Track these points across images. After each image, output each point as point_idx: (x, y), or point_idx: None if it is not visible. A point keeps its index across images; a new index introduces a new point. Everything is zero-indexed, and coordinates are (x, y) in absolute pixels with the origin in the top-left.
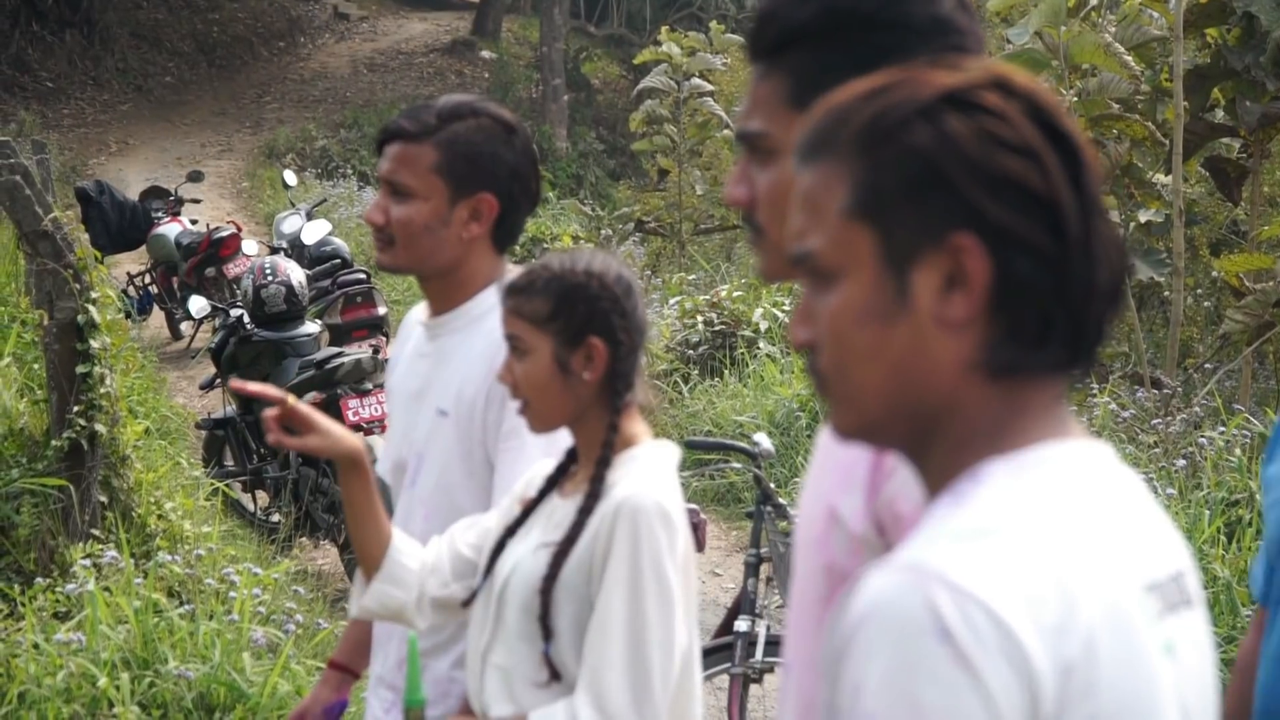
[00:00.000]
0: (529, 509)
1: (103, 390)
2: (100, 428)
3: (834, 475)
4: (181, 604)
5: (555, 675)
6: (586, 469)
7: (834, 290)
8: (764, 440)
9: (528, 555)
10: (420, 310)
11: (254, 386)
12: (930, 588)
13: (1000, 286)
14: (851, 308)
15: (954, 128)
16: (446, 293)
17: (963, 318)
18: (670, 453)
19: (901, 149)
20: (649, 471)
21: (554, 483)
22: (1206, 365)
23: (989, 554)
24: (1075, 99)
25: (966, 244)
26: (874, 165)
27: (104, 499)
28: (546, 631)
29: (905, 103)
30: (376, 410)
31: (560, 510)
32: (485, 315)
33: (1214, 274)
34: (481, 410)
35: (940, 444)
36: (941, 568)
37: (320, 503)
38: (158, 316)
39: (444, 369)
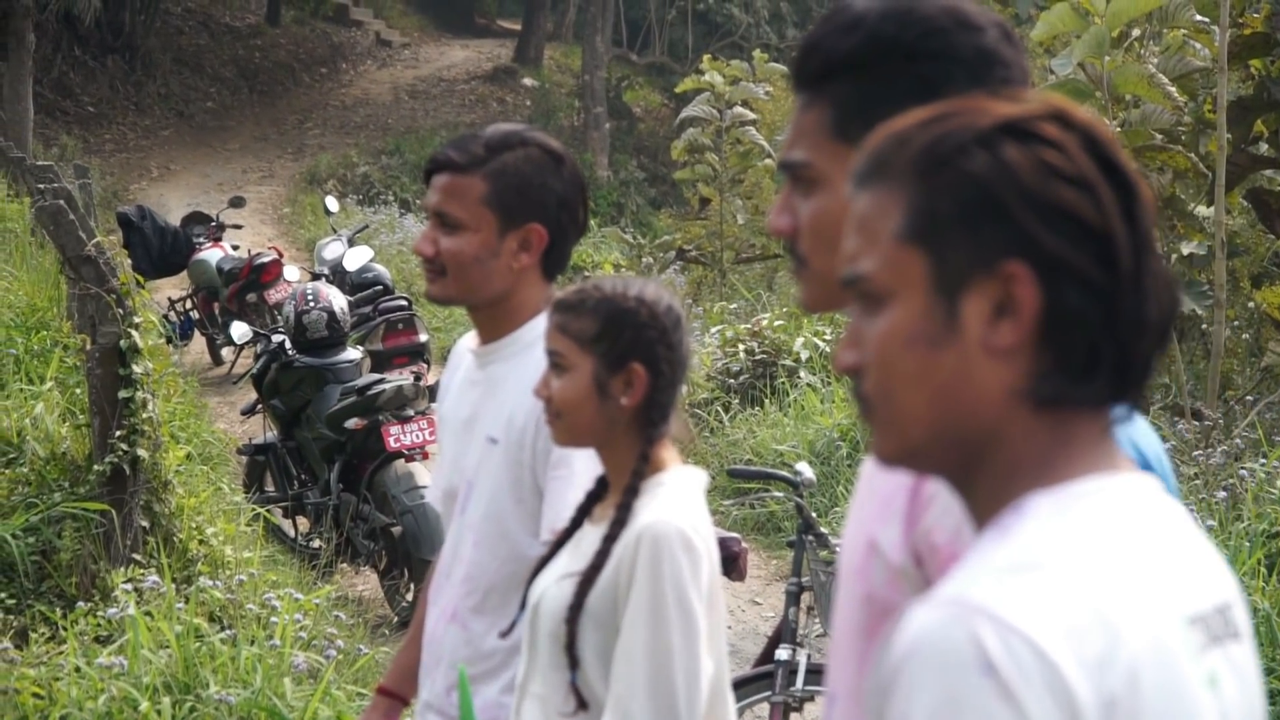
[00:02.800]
0: (562, 539)
1: (145, 415)
2: (142, 453)
3: (874, 506)
4: (223, 629)
5: (582, 704)
6: (615, 496)
7: (883, 314)
8: (806, 469)
9: (553, 584)
10: (470, 338)
11: None
12: (974, 622)
13: (1049, 316)
14: (900, 331)
15: (1011, 156)
16: (496, 321)
17: (1010, 345)
18: (697, 478)
19: (958, 175)
20: (673, 497)
21: (585, 511)
22: (1247, 397)
23: (1032, 588)
24: (1118, 130)
25: (1018, 272)
26: (930, 190)
27: (145, 524)
28: (572, 660)
29: (964, 130)
30: (418, 437)
31: (588, 538)
32: (535, 343)
33: (1252, 305)
34: (531, 438)
35: (985, 474)
36: (985, 602)
37: (360, 529)
38: (198, 342)
39: (494, 397)
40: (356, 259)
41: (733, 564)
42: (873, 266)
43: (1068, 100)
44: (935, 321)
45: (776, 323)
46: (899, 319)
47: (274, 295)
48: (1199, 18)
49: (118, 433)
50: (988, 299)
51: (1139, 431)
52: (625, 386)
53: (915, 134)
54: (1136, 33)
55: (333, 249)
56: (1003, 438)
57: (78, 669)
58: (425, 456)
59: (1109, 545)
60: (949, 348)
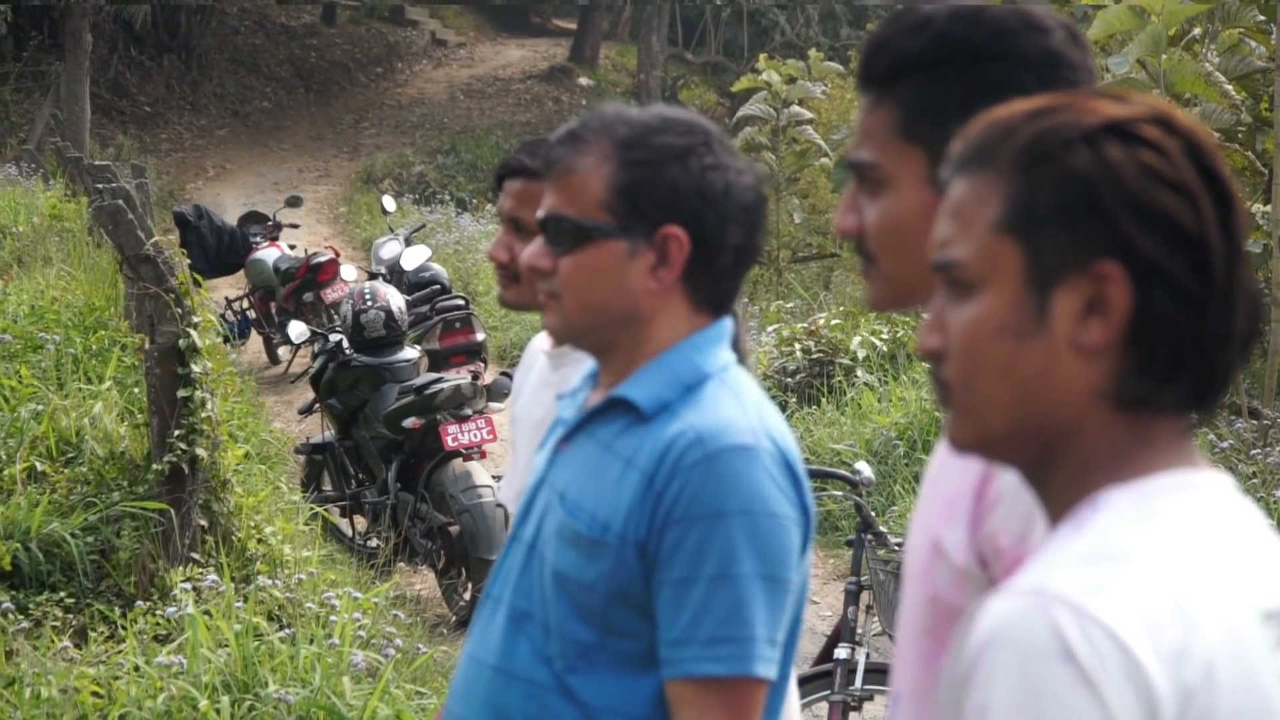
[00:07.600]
0: None
1: (203, 414)
2: (201, 452)
3: (939, 507)
4: (282, 628)
5: None
6: None
7: (971, 302)
8: (865, 468)
9: None
10: (542, 339)
11: None
12: (1053, 610)
13: (1138, 319)
14: (989, 321)
15: (1114, 156)
16: None
17: (1098, 344)
18: None
19: (1060, 171)
20: None
21: None
22: None
23: (1109, 578)
24: None
25: (1112, 272)
26: (1031, 183)
27: (204, 523)
28: None
29: (1069, 126)
30: (475, 436)
31: None
32: None
33: None
34: None
35: (1062, 469)
36: (1063, 591)
37: (418, 528)
38: (255, 341)
39: None
40: (413, 258)
41: None
42: (966, 254)
43: (1171, 104)
44: (1025, 314)
45: (833, 322)
46: (988, 308)
47: (331, 294)
48: (1260, 17)
49: (176, 432)
50: (1079, 296)
51: None
52: None
53: (1020, 125)
54: (1195, 31)
55: (390, 248)
56: (1082, 434)
57: (137, 668)
58: (483, 455)
59: (1185, 539)
60: (1036, 341)
